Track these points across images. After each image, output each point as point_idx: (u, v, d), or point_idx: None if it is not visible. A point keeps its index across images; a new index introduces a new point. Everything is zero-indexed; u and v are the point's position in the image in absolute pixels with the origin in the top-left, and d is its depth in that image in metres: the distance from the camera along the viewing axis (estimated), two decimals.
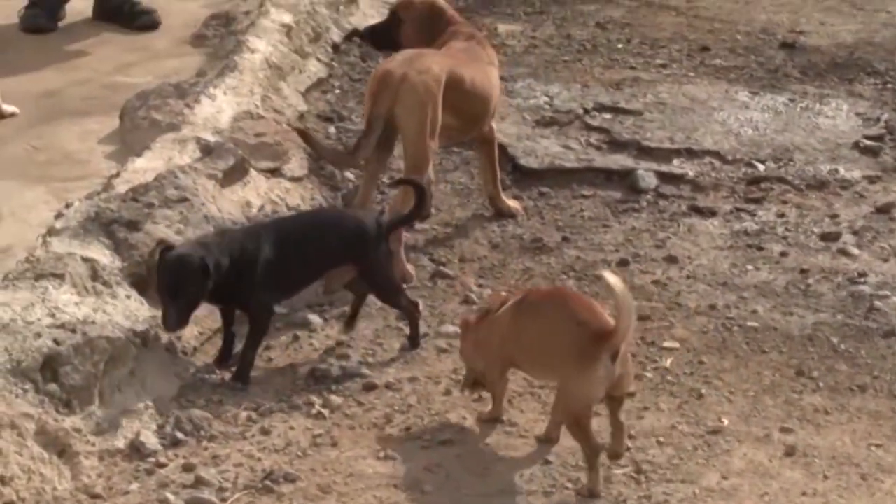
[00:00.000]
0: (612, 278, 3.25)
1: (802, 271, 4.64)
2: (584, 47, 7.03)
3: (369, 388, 3.81)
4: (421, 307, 4.26)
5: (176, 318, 3.61)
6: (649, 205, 5.14)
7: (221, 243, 3.78)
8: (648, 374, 3.93)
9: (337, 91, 6.23)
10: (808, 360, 4.07)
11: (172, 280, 3.61)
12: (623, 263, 4.65)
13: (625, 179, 5.31)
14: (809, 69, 6.74)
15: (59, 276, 3.60)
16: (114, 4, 6.68)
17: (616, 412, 3.40)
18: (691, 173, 5.38)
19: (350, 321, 4.13)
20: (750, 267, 4.67)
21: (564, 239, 4.85)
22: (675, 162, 5.50)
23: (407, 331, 4.13)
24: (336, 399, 3.73)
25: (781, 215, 5.07)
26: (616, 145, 5.63)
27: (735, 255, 4.76)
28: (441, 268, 4.59)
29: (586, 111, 5.98)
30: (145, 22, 6.67)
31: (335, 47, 6.66)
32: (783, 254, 4.77)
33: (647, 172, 5.31)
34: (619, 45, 7.06)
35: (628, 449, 3.49)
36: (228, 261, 3.72)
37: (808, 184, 5.34)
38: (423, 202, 4.13)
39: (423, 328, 4.14)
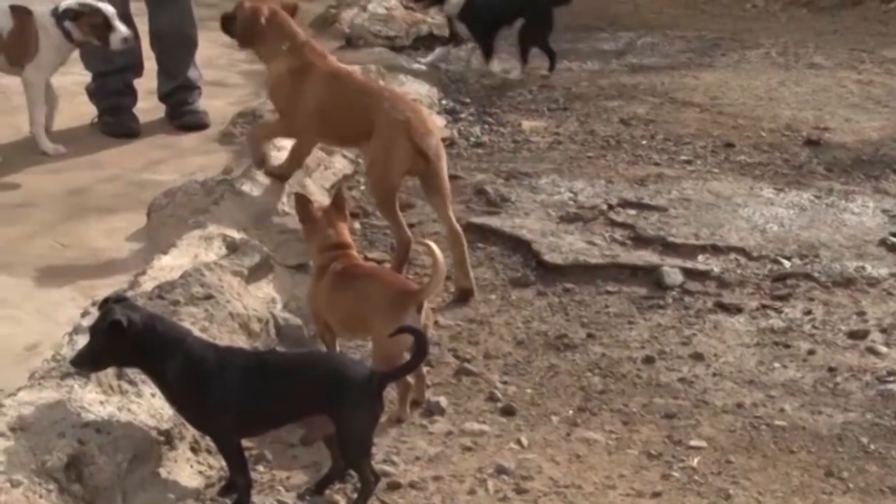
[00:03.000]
0: (435, 249, 4.00)
1: (830, 369, 4.60)
2: (608, 143, 7.07)
3: (393, 487, 3.78)
4: (444, 404, 4.24)
5: (78, 354, 3.51)
6: (675, 301, 5.12)
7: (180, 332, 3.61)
8: (675, 474, 3.89)
9: (362, 187, 6.27)
10: (838, 460, 4.02)
11: (94, 322, 3.55)
12: (649, 360, 4.62)
13: (650, 276, 5.30)
14: (835, 166, 6.75)
15: (85, 376, 3.60)
16: (173, 102, 6.82)
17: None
18: (717, 270, 5.37)
19: (322, 485, 3.73)
20: (777, 365, 4.63)
21: (589, 335, 4.83)
22: (701, 258, 5.49)
23: (431, 428, 4.10)
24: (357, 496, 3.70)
25: (808, 312, 5.04)
26: (641, 241, 5.63)
27: (762, 352, 4.73)
28: (465, 364, 4.57)
29: (611, 207, 5.99)
30: (190, 122, 6.80)
31: None
32: (810, 352, 4.73)
33: (673, 269, 5.30)
34: (643, 142, 7.11)
35: None
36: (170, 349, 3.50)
37: (835, 281, 5.31)
38: (422, 350, 3.69)
39: (447, 426, 4.12)
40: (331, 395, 3.53)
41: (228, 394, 3.52)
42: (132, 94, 6.72)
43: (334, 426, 3.55)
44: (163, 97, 6.85)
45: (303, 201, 4.45)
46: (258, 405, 3.57)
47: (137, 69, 6.75)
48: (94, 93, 6.71)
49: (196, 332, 3.80)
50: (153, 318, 3.58)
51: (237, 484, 3.60)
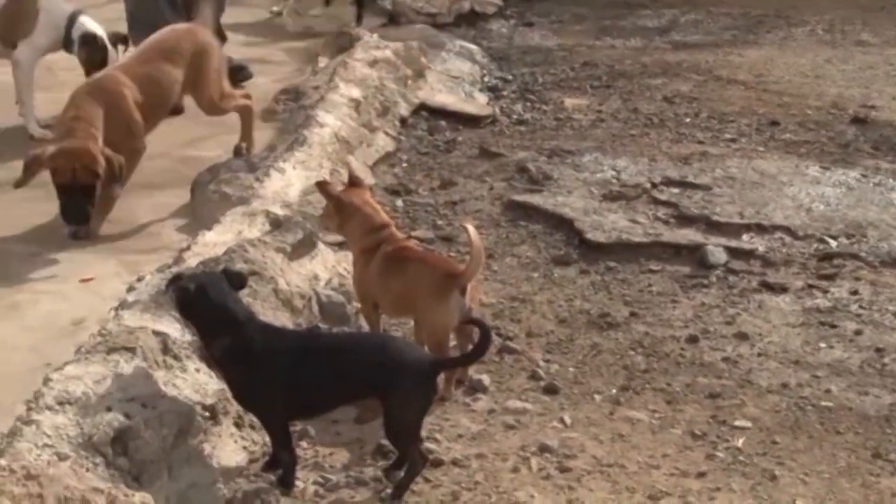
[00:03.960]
0: (471, 230, 4.00)
1: (878, 350, 4.56)
2: (652, 121, 7.03)
3: (436, 464, 3.77)
4: (487, 382, 4.24)
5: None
6: (719, 280, 5.08)
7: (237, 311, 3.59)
8: (720, 454, 3.87)
9: (404, 165, 6.27)
10: (885, 441, 3.98)
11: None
12: (692, 340, 4.59)
13: (693, 254, 5.27)
14: (882, 144, 6.68)
15: (131, 350, 3.62)
16: None
17: (465, 345, 4.08)
18: (762, 249, 5.33)
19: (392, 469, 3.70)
20: (823, 345, 4.59)
21: (632, 314, 4.80)
22: (745, 237, 5.44)
23: (473, 406, 4.10)
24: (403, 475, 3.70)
25: (855, 292, 4.99)
26: (684, 220, 5.59)
27: (807, 332, 4.69)
28: (508, 342, 4.56)
29: (654, 185, 5.96)
30: (239, 77, 6.89)
31: (403, 121, 6.72)
32: (857, 332, 4.69)
33: (717, 248, 5.26)
34: (687, 120, 7.06)
35: None
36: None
37: (883, 260, 5.26)
38: (484, 343, 3.66)
39: (489, 404, 4.12)
40: (383, 381, 3.51)
41: (278, 376, 3.52)
42: None
43: (382, 411, 3.54)
44: None
45: (325, 187, 4.39)
46: (309, 389, 3.57)
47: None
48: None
49: (257, 313, 3.77)
50: (210, 294, 3.55)
51: (282, 460, 3.62)
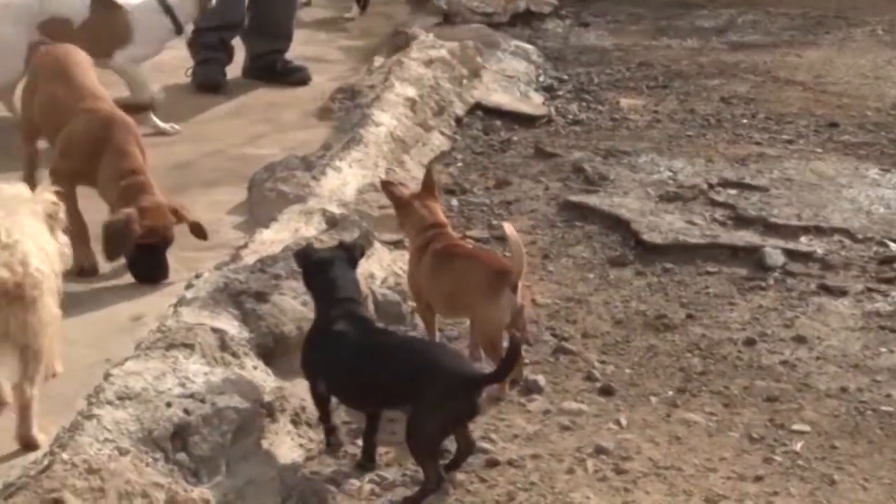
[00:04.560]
0: (508, 228, 4.06)
1: None
2: (708, 122, 6.99)
3: (491, 464, 3.77)
4: (543, 383, 4.23)
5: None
6: (776, 283, 5.04)
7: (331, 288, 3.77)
8: (778, 458, 3.83)
9: (459, 164, 6.28)
10: None
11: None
12: (750, 342, 4.56)
13: (751, 256, 5.22)
14: None
15: (190, 347, 3.65)
16: (267, 62, 7.00)
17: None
18: (820, 251, 5.28)
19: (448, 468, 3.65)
20: (883, 349, 4.54)
21: (689, 316, 4.77)
22: (803, 239, 5.39)
23: (529, 406, 4.10)
24: (458, 475, 3.70)
25: None
26: (742, 221, 5.55)
27: (867, 336, 4.63)
28: (563, 343, 4.54)
29: (711, 186, 5.92)
30: (298, 77, 6.98)
31: (458, 120, 6.72)
32: None
33: (774, 250, 5.22)
34: (744, 121, 7.01)
35: None
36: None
37: None
38: (512, 356, 3.57)
39: (545, 405, 4.11)
40: (411, 390, 3.50)
41: (321, 356, 3.66)
42: (226, 51, 6.96)
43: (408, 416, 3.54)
44: (256, 57, 6.99)
45: (388, 186, 4.44)
46: (350, 385, 3.64)
47: (234, 28, 6.91)
48: (191, 45, 6.92)
49: (356, 300, 3.82)
50: (317, 269, 3.78)
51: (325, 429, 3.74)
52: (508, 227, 4.09)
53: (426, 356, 3.60)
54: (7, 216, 3.76)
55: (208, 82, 6.90)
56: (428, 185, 4.41)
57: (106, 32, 6.08)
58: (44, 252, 3.74)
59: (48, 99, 4.93)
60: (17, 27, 5.89)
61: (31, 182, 4.94)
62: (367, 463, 3.72)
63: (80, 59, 5.11)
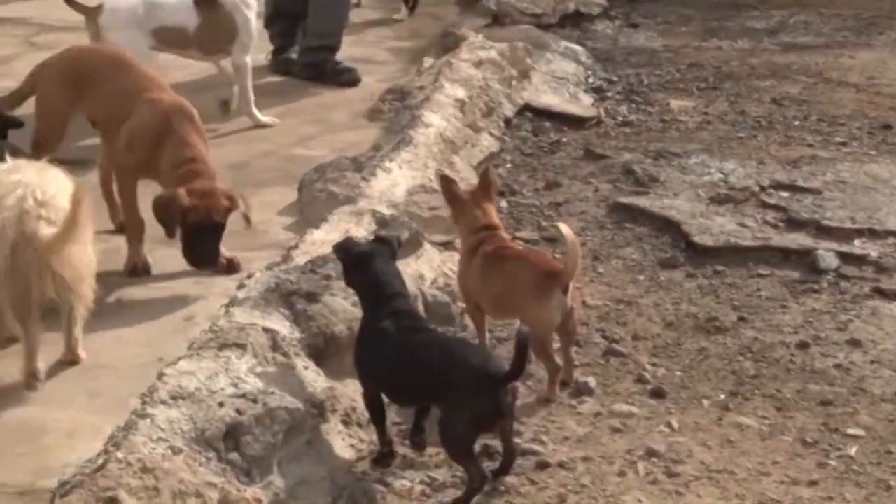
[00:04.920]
0: (565, 228, 4.06)
1: None
2: (760, 124, 6.94)
3: (542, 466, 3.76)
4: (593, 385, 4.21)
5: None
6: (830, 286, 4.99)
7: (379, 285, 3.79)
8: (832, 462, 3.80)
9: (508, 165, 6.27)
10: None
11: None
12: (803, 346, 4.52)
13: (804, 259, 5.18)
14: None
15: (242, 347, 3.66)
16: (317, 61, 7.06)
17: (568, 346, 4.19)
18: (874, 254, 5.22)
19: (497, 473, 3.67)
20: None
21: (741, 319, 4.74)
22: (857, 242, 5.34)
23: (579, 408, 4.08)
24: (509, 477, 3.69)
25: None
26: (794, 224, 5.50)
27: None
28: (614, 345, 4.52)
29: (762, 188, 5.88)
30: (348, 79, 7.03)
31: (507, 122, 6.71)
32: None
33: (828, 252, 5.17)
34: (796, 122, 6.95)
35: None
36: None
37: None
38: (520, 362, 3.51)
39: (595, 407, 4.09)
40: (441, 388, 3.53)
41: (369, 355, 3.69)
42: (291, 39, 7.32)
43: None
44: (307, 50, 7.17)
45: (446, 182, 4.44)
46: (390, 380, 3.67)
47: (300, 18, 7.23)
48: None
49: (402, 294, 3.83)
50: (359, 264, 3.81)
51: (379, 439, 3.72)
52: (566, 228, 4.08)
53: (452, 354, 3.60)
54: (38, 173, 4.00)
55: (280, 70, 7.29)
56: (485, 186, 4.40)
57: (218, 32, 6.24)
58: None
59: (108, 93, 4.94)
60: (130, 32, 5.94)
61: None
62: (418, 434, 3.75)
63: (131, 53, 5.16)
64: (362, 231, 4.75)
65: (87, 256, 3.99)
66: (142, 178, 4.83)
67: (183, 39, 6.16)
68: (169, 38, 6.14)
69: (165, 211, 4.58)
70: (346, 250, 3.87)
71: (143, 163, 4.75)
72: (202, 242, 4.63)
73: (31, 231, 3.83)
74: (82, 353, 4.10)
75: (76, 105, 5.04)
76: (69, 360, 4.08)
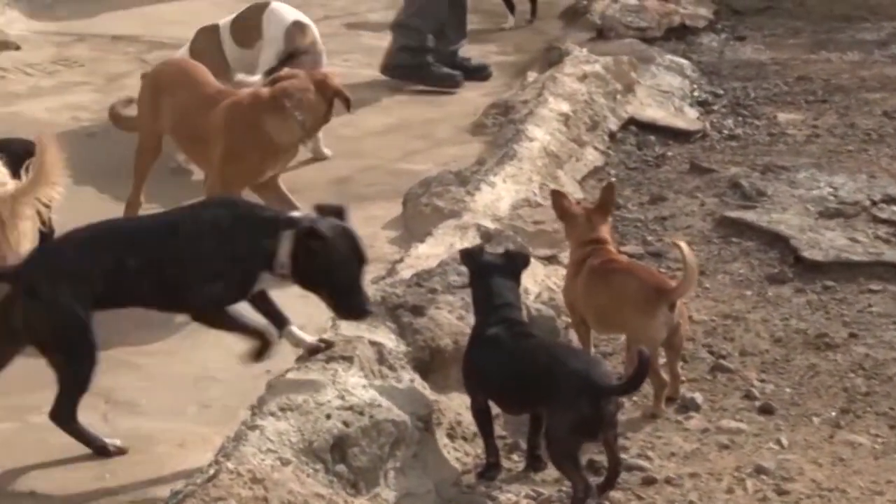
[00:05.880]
0: (685, 248, 4.03)
1: None
2: (870, 136, 6.81)
3: (648, 482, 3.74)
4: (700, 401, 4.17)
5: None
6: None
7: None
8: None
9: (613, 179, 6.22)
10: None
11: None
12: None
13: None
14: None
15: (349, 359, 3.70)
16: (413, 60, 7.07)
17: (674, 362, 4.13)
18: None
19: (603, 487, 3.65)
20: None
21: (851, 335, 4.66)
22: None
23: (686, 424, 4.04)
24: (615, 493, 3.67)
25: None
26: None
27: None
28: (721, 361, 4.47)
29: (874, 203, 5.77)
30: (483, 75, 7.13)
31: (612, 136, 6.68)
32: None
33: None
34: None
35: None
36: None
37: None
38: (640, 375, 3.53)
39: (703, 423, 4.05)
40: (543, 394, 3.55)
41: (479, 362, 3.73)
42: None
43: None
44: (401, 49, 7.20)
45: (558, 196, 4.44)
46: (499, 383, 3.69)
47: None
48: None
49: (514, 305, 3.87)
50: (480, 271, 3.87)
51: (486, 450, 3.72)
52: (686, 248, 4.05)
53: (558, 360, 3.61)
54: None
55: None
56: (604, 203, 4.39)
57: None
58: None
59: (185, 108, 5.02)
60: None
61: (137, 201, 5.13)
62: (533, 463, 3.75)
63: (200, 66, 5.22)
64: (466, 244, 4.75)
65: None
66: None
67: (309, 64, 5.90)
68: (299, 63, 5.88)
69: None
70: (471, 257, 3.95)
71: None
72: None
73: None
74: None
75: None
76: None
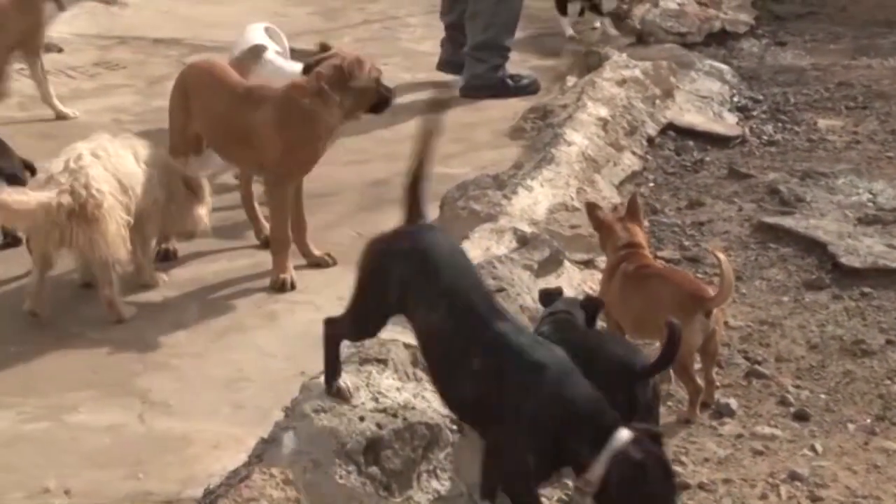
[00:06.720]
0: (722, 257, 4.04)
1: None
2: None
3: (682, 487, 3.72)
4: (735, 406, 4.16)
5: None
6: None
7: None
8: None
9: (651, 184, 6.22)
10: None
11: None
12: None
13: None
14: None
15: (383, 362, 3.71)
16: (485, 81, 7.11)
17: (709, 367, 4.13)
18: None
19: None
20: None
21: (889, 342, 4.63)
22: None
23: (720, 430, 4.03)
24: None
25: None
26: None
27: None
28: (756, 367, 4.46)
29: None
30: (532, 89, 7.24)
31: (650, 141, 6.67)
32: None
33: None
34: None
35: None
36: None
37: None
38: (675, 345, 3.51)
39: (737, 429, 4.04)
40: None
41: None
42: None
43: None
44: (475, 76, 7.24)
45: (591, 208, 4.47)
46: None
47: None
48: None
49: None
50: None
51: None
52: (723, 257, 4.06)
53: (594, 348, 3.63)
54: (90, 141, 4.59)
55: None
56: (632, 212, 4.42)
57: None
58: (116, 179, 4.55)
59: (216, 109, 5.05)
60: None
61: None
62: None
63: (226, 67, 5.25)
64: (503, 249, 4.77)
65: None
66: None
67: None
68: None
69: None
70: (546, 300, 3.99)
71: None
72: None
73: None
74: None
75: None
76: None
